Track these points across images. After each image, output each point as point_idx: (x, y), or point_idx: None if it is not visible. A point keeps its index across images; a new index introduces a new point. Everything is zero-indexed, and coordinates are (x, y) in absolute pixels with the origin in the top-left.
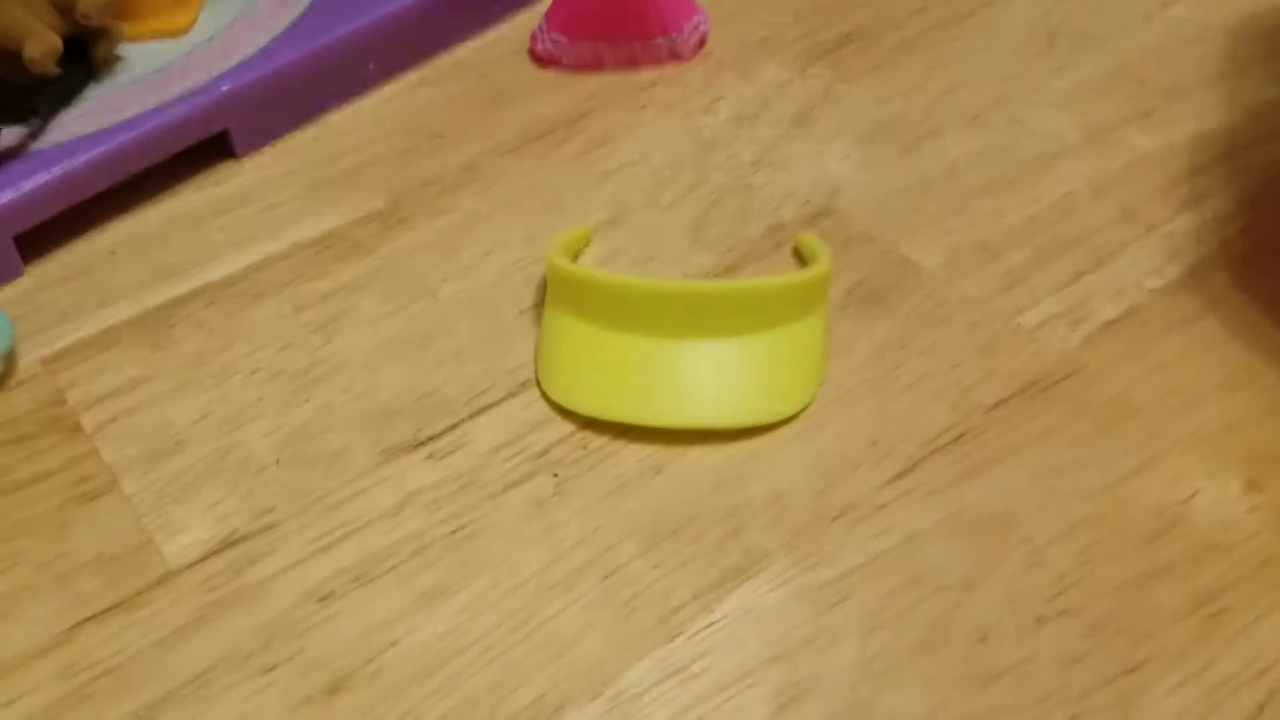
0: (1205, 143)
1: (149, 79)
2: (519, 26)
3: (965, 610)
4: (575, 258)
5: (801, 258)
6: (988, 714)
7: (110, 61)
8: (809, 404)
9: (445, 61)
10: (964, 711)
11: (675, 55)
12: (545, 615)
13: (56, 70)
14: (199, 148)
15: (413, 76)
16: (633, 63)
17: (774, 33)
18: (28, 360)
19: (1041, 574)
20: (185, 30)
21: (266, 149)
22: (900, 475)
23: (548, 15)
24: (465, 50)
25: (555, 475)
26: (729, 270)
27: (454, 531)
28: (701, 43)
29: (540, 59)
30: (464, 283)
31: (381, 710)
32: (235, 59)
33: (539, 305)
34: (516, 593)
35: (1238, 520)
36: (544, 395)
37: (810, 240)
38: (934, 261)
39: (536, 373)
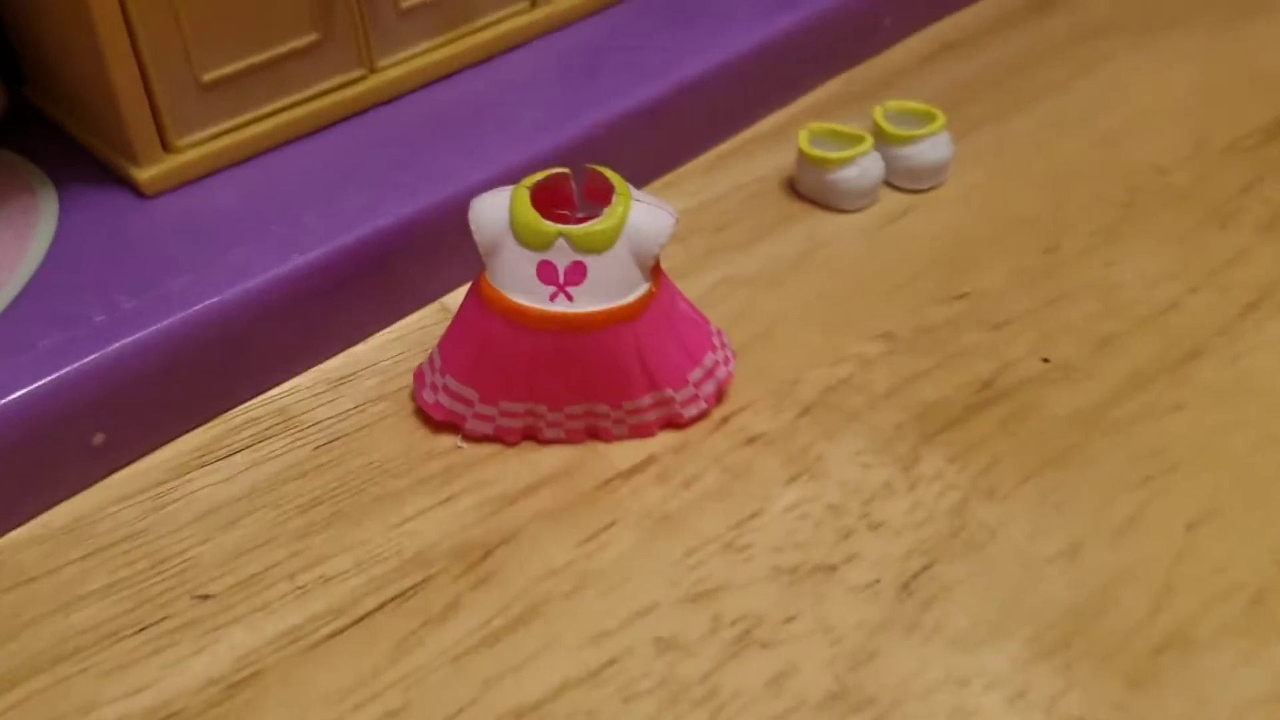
0: None
1: None
2: (395, 368)
3: None
4: None
5: None
6: None
7: None
8: None
9: (246, 417)
10: None
11: (671, 420)
12: None
13: None
14: None
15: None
16: (595, 435)
17: (858, 377)
18: None
19: None
20: None
21: None
22: None
23: (442, 348)
24: (284, 395)
25: None
26: None
27: None
28: (719, 395)
29: (429, 414)
30: None
31: None
32: None
33: None
34: None
35: None
36: None
37: None
38: None
39: None
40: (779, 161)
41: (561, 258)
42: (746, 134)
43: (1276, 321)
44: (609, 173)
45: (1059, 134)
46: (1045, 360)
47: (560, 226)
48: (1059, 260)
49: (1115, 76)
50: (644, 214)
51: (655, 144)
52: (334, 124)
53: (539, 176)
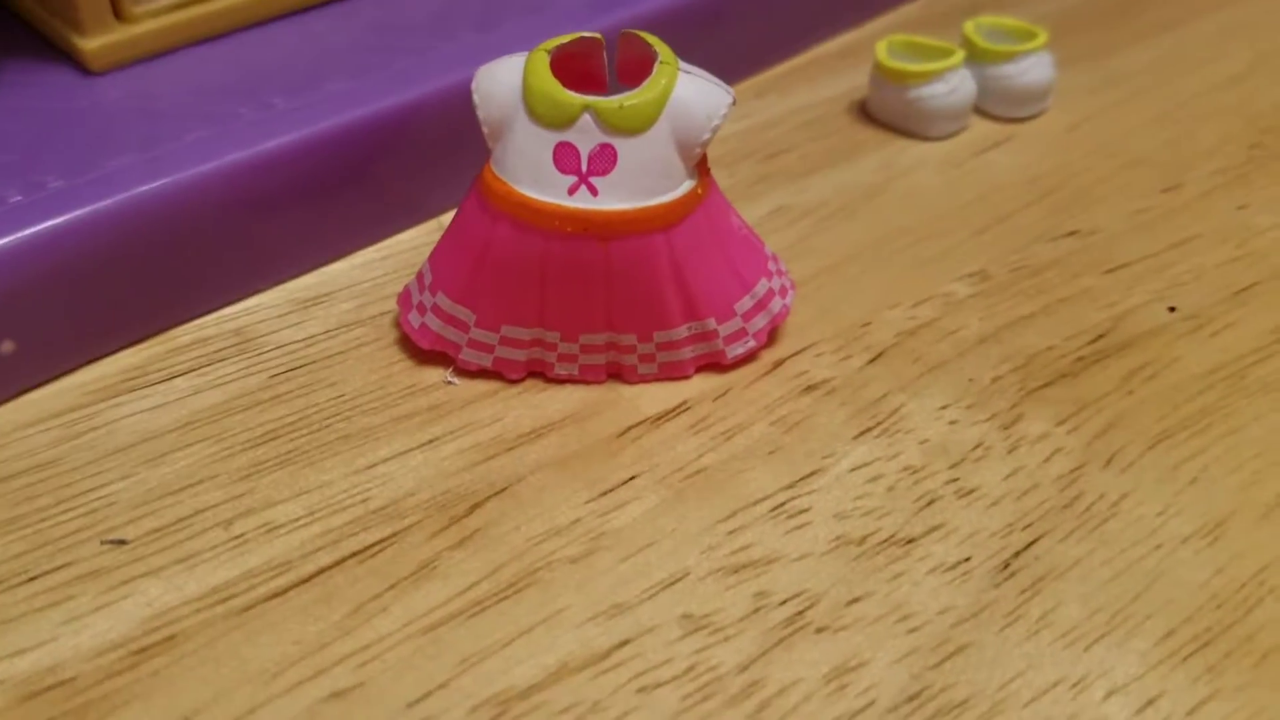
0: None
1: None
2: (376, 272)
3: None
4: None
5: None
6: None
7: None
8: None
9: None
10: None
11: (713, 360)
12: None
13: None
14: None
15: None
16: (615, 373)
17: (941, 319)
18: None
19: None
20: None
21: None
22: None
23: (432, 261)
24: (245, 313)
25: None
26: None
27: None
28: (772, 334)
29: (415, 341)
30: None
31: None
32: None
33: None
34: None
35: None
36: None
37: None
38: None
39: None
40: (848, 84)
41: (586, 139)
42: (808, 55)
43: None
44: (650, 38)
45: (1174, 72)
46: (1171, 309)
47: (586, 97)
48: (1182, 201)
49: (1234, 19)
50: (693, 88)
51: (703, 54)
52: (322, 3)
53: (563, 39)
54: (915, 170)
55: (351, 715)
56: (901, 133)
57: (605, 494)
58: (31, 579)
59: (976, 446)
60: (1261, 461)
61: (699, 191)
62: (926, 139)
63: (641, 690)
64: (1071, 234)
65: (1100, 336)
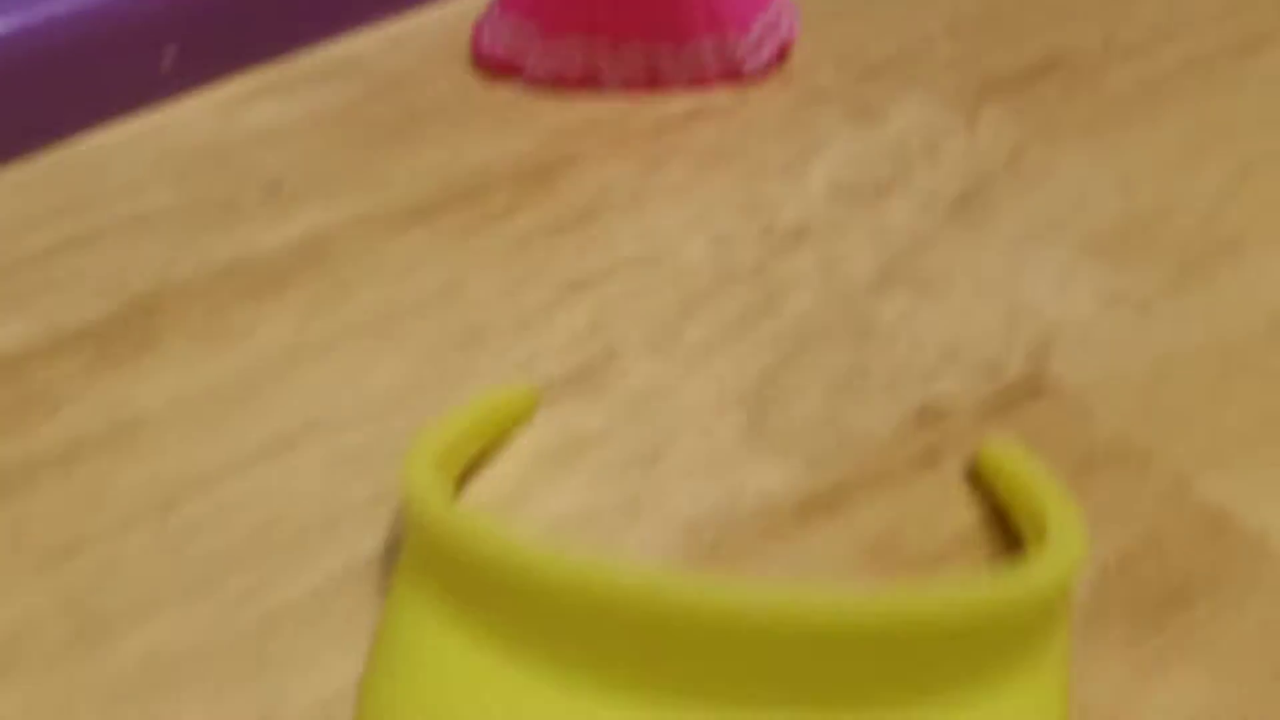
0: None
1: None
2: (456, 13)
3: None
4: (487, 450)
5: (990, 489)
6: None
7: None
8: None
9: (312, 61)
10: None
11: (732, 70)
12: None
13: None
14: None
15: (250, 80)
16: (653, 81)
17: (912, 47)
18: None
19: None
20: None
21: None
22: None
23: None
24: (352, 45)
25: None
26: (823, 503)
27: None
28: (782, 53)
29: (489, 63)
30: (230, 496)
31: None
32: None
33: (384, 566)
34: None
35: None
36: None
37: (1016, 463)
38: None
39: None
40: None
41: None
42: None
43: None
44: None
45: None
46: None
47: None
48: None
49: None
50: None
51: None
52: None
53: None
54: None
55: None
56: None
57: (650, 170)
58: (208, 210)
59: (946, 130)
60: (1175, 143)
61: None
62: None
63: (678, 275)
64: None
65: (1051, 61)
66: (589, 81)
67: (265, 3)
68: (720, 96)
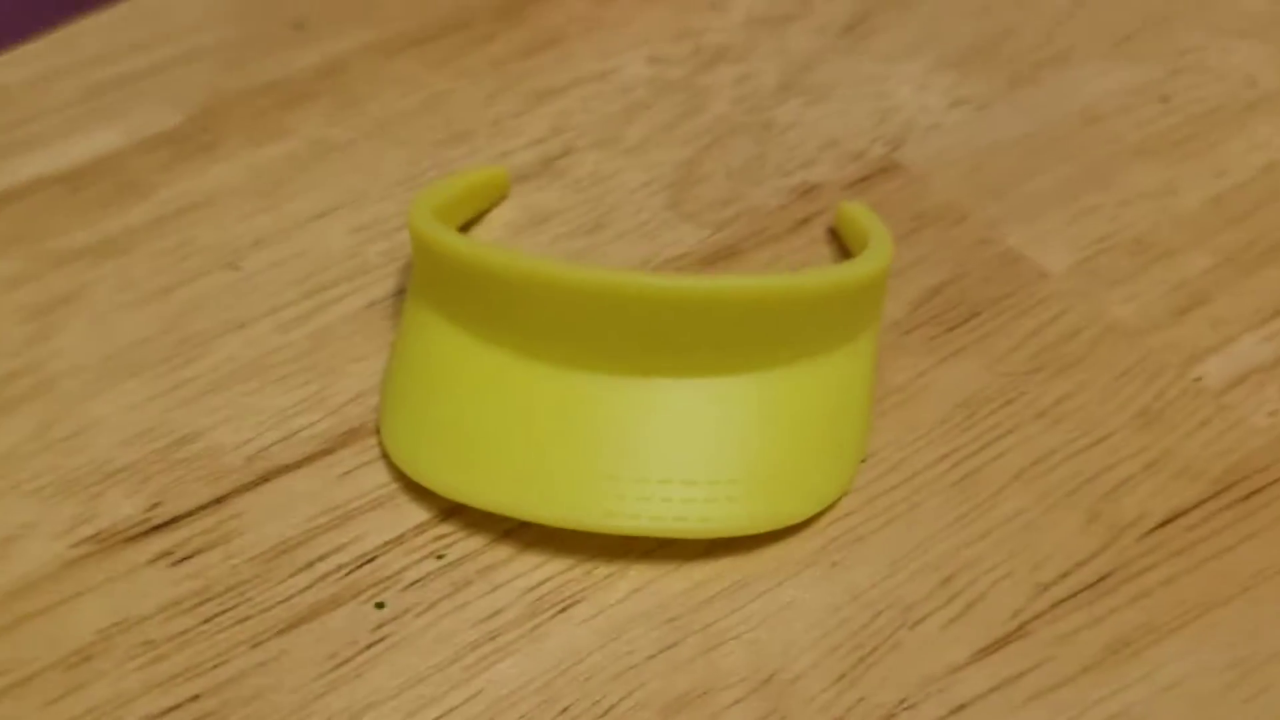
0: None
1: None
2: None
3: None
4: (470, 222)
5: (843, 241)
6: None
7: None
8: (837, 500)
9: None
10: None
11: None
12: None
13: None
14: None
15: None
16: None
17: None
18: None
19: None
20: None
21: (37, 39)
22: (992, 648)
23: None
24: None
25: (379, 606)
26: (721, 256)
27: (176, 708)
28: None
29: None
30: (283, 251)
31: None
32: None
33: (397, 298)
34: None
35: None
36: (385, 454)
37: (859, 213)
38: (1062, 262)
39: (379, 415)
40: None
41: None
42: None
43: None
44: None
45: None
46: None
47: None
48: None
49: None
50: None
51: None
52: None
53: None
54: None
55: None
56: None
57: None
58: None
59: None
60: None
61: None
62: None
63: (625, 92)
64: None
65: None
66: None
67: None
68: None
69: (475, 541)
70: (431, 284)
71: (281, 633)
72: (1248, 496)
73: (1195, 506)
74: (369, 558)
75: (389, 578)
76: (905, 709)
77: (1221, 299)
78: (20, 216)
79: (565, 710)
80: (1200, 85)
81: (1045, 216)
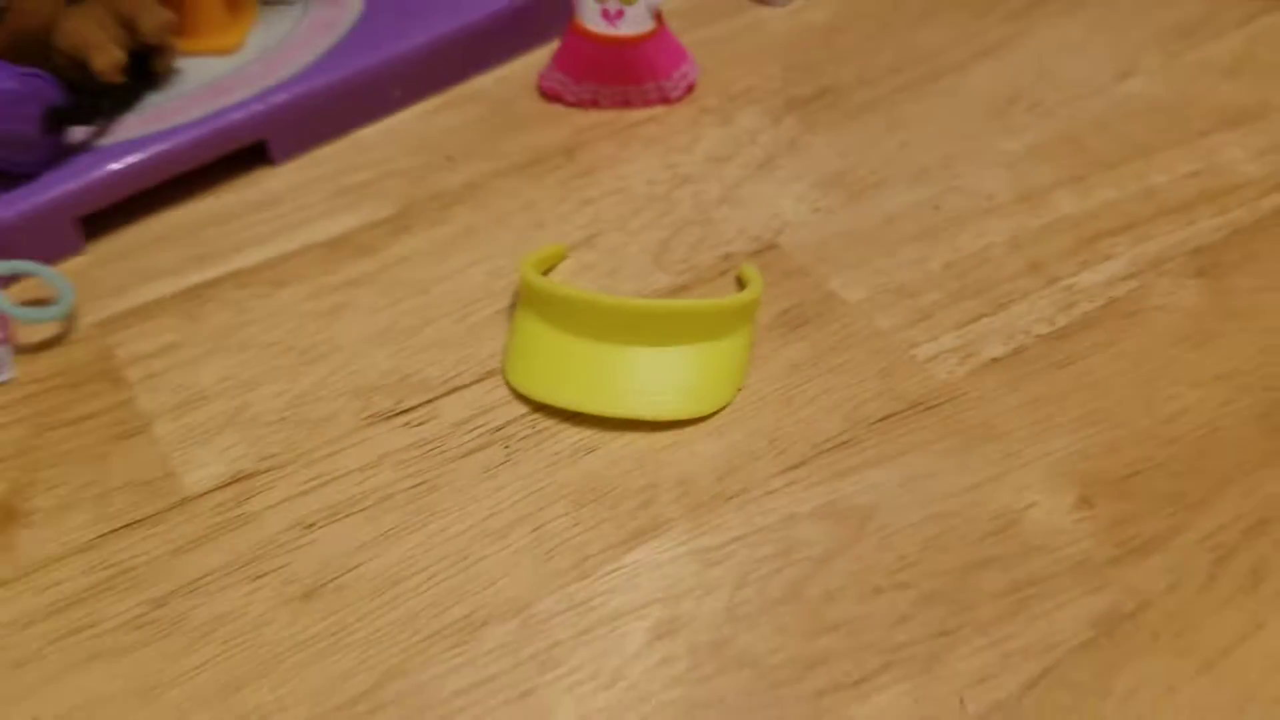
0: (1120, 210)
1: (200, 91)
2: (530, 64)
3: (818, 576)
4: (548, 271)
5: (741, 283)
6: (821, 654)
7: (168, 74)
8: (726, 406)
9: (463, 91)
10: (803, 651)
11: (664, 99)
12: (481, 554)
13: (121, 79)
14: (240, 154)
15: (433, 102)
16: (625, 103)
17: (759, 84)
18: (84, 322)
19: (888, 554)
20: (234, 49)
21: (299, 158)
22: (791, 468)
23: (554, 57)
24: (482, 82)
25: (506, 447)
26: (679, 290)
27: (416, 485)
28: (689, 89)
29: (546, 94)
30: (451, 284)
31: (343, 614)
32: (277, 77)
33: (512, 308)
34: (460, 536)
35: (1065, 528)
36: (507, 383)
37: (750, 270)
38: (856, 296)
39: (503, 363)
40: None
41: (612, 4)
42: None
43: None
44: None
45: None
46: None
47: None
48: None
49: None
50: None
51: None
52: None
53: None
54: (768, 19)
55: None
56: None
57: (622, 146)
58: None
59: (761, 128)
60: None
61: (658, 26)
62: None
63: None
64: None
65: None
66: (594, 104)
67: (442, 59)
68: (657, 111)
69: (545, 422)
70: (529, 302)
71: (460, 459)
72: (924, 412)
73: (897, 413)
74: (498, 427)
75: (508, 436)
76: (745, 492)
77: (936, 315)
78: (300, 266)
79: (579, 494)
80: (959, 198)
81: (852, 272)
